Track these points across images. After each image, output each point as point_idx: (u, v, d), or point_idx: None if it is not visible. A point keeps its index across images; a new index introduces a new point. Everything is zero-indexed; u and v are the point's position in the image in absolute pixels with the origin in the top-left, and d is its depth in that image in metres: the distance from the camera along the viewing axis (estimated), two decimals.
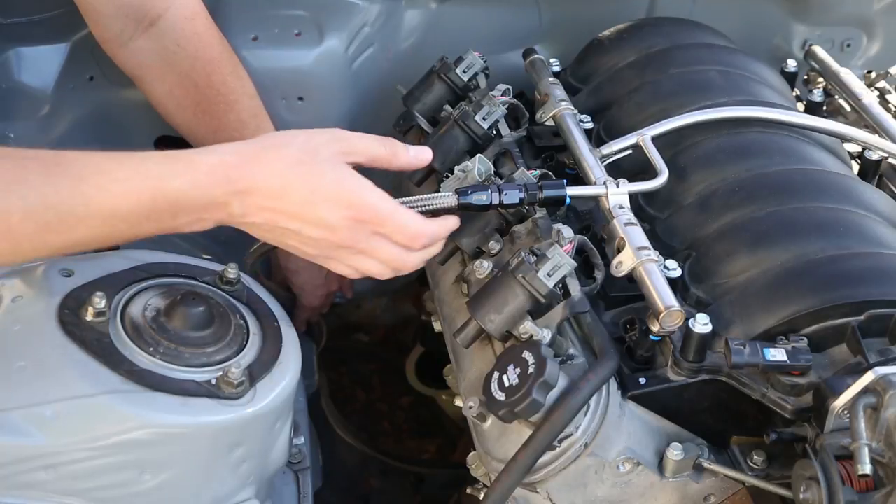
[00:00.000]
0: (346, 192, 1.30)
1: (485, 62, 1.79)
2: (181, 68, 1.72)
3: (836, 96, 1.90)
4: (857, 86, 1.87)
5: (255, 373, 1.30)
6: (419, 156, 1.45)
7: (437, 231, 1.39)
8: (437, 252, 1.43)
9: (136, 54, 1.72)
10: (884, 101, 1.89)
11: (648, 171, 1.55)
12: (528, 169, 1.52)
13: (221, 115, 1.74)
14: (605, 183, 1.50)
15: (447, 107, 1.76)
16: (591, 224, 1.55)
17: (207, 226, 1.30)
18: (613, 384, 1.33)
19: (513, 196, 1.44)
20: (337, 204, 1.30)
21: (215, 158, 1.27)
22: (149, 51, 1.71)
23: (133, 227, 1.24)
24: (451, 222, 1.43)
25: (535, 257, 1.34)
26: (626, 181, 1.50)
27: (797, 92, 1.95)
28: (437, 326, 1.66)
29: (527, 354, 1.27)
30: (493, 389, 1.29)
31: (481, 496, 1.39)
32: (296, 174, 1.28)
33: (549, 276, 1.33)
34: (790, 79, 1.94)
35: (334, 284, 2.01)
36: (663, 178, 1.53)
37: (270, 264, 2.00)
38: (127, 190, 1.22)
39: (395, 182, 1.92)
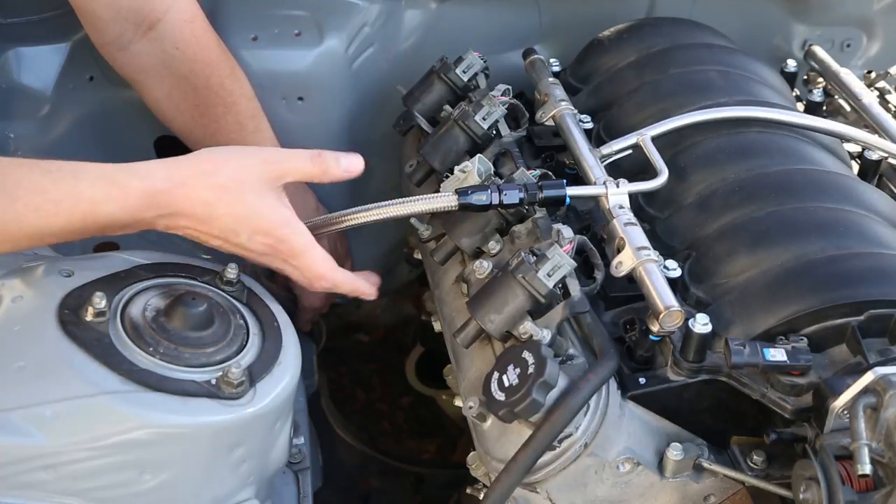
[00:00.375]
0: (266, 223, 1.39)
1: (485, 62, 1.79)
2: (179, 71, 1.72)
3: (836, 96, 1.90)
4: (857, 86, 1.87)
5: (255, 373, 1.30)
6: (350, 168, 1.47)
7: (341, 282, 1.48)
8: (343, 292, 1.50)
9: (135, 58, 1.72)
10: (884, 101, 1.89)
11: (648, 171, 1.55)
12: (528, 169, 1.52)
13: (220, 117, 1.75)
14: (604, 183, 1.50)
15: (447, 107, 1.76)
16: (591, 224, 1.55)
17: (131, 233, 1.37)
18: (613, 384, 1.33)
19: (513, 196, 1.44)
20: (256, 232, 1.39)
21: (147, 184, 1.33)
22: (147, 54, 1.71)
23: (61, 239, 1.32)
24: (362, 286, 1.52)
25: (534, 257, 1.34)
26: (625, 181, 1.50)
27: (797, 92, 1.95)
28: (437, 326, 1.66)
29: (527, 354, 1.27)
30: (493, 389, 1.29)
31: (481, 496, 1.39)
32: (221, 203, 1.36)
33: (549, 276, 1.33)
34: (790, 79, 1.93)
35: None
36: (663, 178, 1.53)
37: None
38: (59, 211, 1.28)
39: (395, 182, 1.92)
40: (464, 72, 1.77)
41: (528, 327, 1.33)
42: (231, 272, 1.41)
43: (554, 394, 1.25)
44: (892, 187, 1.72)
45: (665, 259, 1.42)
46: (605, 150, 1.60)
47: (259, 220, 1.39)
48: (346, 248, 1.95)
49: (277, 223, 1.40)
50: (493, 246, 1.50)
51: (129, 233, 1.36)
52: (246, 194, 1.37)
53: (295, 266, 1.43)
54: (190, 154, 1.41)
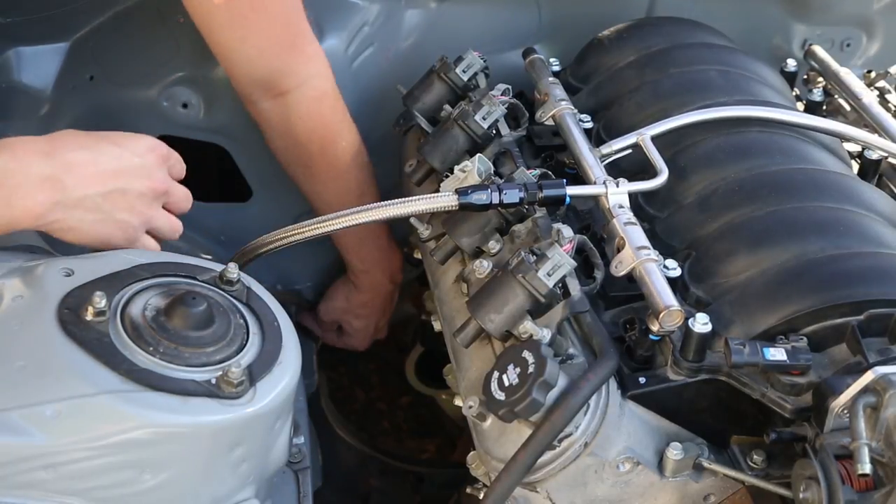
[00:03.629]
0: (144, 137, 1.46)
1: (484, 62, 1.79)
2: (298, 137, 1.82)
3: (836, 96, 1.90)
4: (857, 85, 1.87)
5: (255, 372, 1.29)
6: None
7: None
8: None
9: (261, 113, 1.83)
10: (883, 101, 1.89)
11: (648, 171, 1.55)
12: (528, 168, 1.52)
13: (328, 181, 1.88)
14: (604, 182, 1.50)
15: (447, 106, 1.76)
16: (591, 224, 1.55)
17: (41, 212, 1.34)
18: (613, 384, 1.33)
19: (513, 196, 1.44)
20: (143, 146, 1.44)
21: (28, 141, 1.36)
22: (273, 113, 1.81)
23: None
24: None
25: (534, 257, 1.34)
26: (625, 181, 1.50)
27: (797, 92, 1.95)
28: (436, 326, 1.66)
29: (527, 354, 1.27)
30: (492, 389, 1.29)
31: (481, 496, 1.39)
32: (98, 138, 1.41)
33: (549, 275, 1.33)
34: (790, 78, 1.94)
35: (382, 333, 2.17)
36: (663, 177, 1.53)
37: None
38: None
39: (395, 181, 1.93)
40: (464, 71, 1.77)
41: (528, 327, 1.33)
42: (231, 272, 1.41)
43: (554, 393, 1.26)
44: (892, 187, 1.72)
45: (665, 258, 1.42)
46: (605, 149, 1.60)
47: (134, 136, 1.46)
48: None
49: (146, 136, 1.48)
50: (493, 245, 1.50)
51: (35, 208, 1.34)
52: (108, 133, 1.44)
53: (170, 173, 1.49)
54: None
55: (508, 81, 1.73)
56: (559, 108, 1.69)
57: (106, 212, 1.39)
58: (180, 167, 1.52)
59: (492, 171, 1.53)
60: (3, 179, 1.32)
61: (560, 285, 1.36)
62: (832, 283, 1.35)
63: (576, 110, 1.71)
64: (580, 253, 1.43)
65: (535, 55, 1.87)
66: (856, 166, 1.75)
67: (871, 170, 1.73)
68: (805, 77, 1.99)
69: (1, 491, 1.18)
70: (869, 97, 1.84)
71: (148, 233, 1.46)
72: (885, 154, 1.71)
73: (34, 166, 1.33)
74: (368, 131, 2.03)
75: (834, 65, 1.94)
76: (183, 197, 1.51)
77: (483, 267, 1.47)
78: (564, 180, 1.48)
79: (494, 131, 1.68)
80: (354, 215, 1.48)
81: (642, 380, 1.34)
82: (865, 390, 1.18)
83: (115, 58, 1.93)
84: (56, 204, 1.35)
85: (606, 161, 1.59)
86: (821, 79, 1.95)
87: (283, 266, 2.05)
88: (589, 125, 1.73)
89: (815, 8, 2.13)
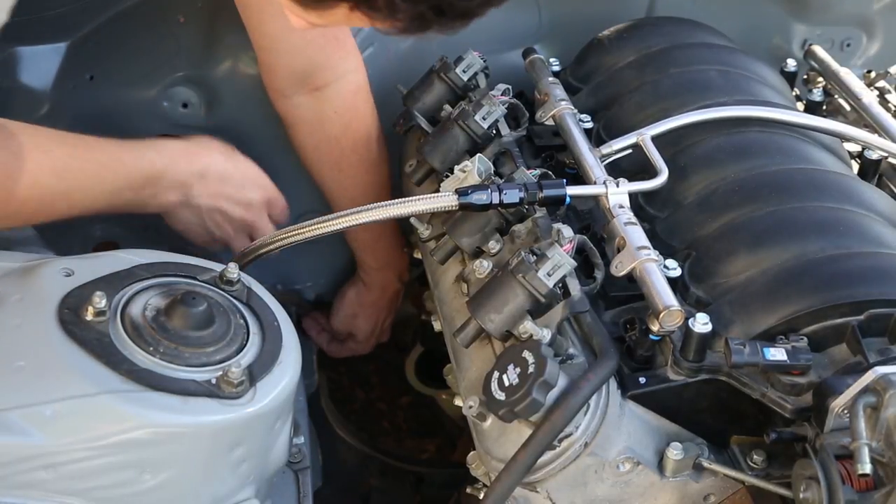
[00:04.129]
0: (263, 178, 1.75)
1: (484, 62, 1.79)
2: (332, 132, 1.84)
3: (836, 96, 1.90)
4: (857, 85, 1.87)
5: (255, 372, 1.30)
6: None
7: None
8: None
9: (295, 108, 1.83)
10: (883, 101, 1.89)
11: (648, 171, 1.55)
12: (528, 168, 1.52)
13: (358, 175, 1.89)
14: (604, 182, 1.50)
15: (447, 106, 1.76)
16: (591, 224, 1.55)
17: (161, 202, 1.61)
18: (613, 384, 1.33)
19: (513, 196, 1.44)
20: (259, 185, 1.74)
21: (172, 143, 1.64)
22: (306, 108, 1.83)
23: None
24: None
25: (534, 257, 1.34)
26: (625, 181, 1.50)
27: (797, 91, 1.95)
28: (436, 326, 1.66)
29: (527, 354, 1.27)
30: (492, 389, 1.29)
31: (481, 496, 1.39)
32: (232, 160, 1.69)
33: (549, 275, 1.33)
34: (790, 78, 1.93)
35: (385, 335, 2.19)
36: (663, 177, 1.53)
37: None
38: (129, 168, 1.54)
39: (395, 182, 1.92)
40: (464, 71, 1.77)
41: (528, 327, 1.33)
42: (231, 272, 1.41)
43: (554, 393, 1.25)
44: (892, 187, 1.72)
45: (665, 258, 1.42)
46: (605, 149, 1.60)
47: (257, 175, 1.74)
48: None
49: (266, 177, 1.76)
50: (493, 245, 1.50)
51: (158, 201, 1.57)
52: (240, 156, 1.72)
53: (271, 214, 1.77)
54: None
55: (508, 81, 1.73)
56: (559, 108, 1.69)
57: (206, 224, 1.60)
58: (280, 213, 1.79)
59: (492, 171, 1.53)
60: (155, 179, 1.55)
61: (560, 285, 1.36)
62: (832, 283, 1.35)
63: (576, 110, 1.71)
64: (580, 253, 1.43)
65: (535, 55, 1.87)
66: (856, 166, 1.74)
67: (871, 170, 1.73)
68: (805, 77, 1.99)
69: (1, 491, 1.18)
70: (869, 97, 1.84)
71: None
72: (885, 154, 1.71)
73: (178, 168, 1.60)
74: None
75: (834, 65, 1.94)
76: (266, 233, 1.73)
77: (483, 267, 1.47)
78: (564, 180, 1.48)
79: (494, 131, 1.68)
80: (355, 215, 1.48)
81: (642, 380, 1.34)
82: (865, 390, 1.18)
83: (115, 58, 1.93)
84: (180, 204, 1.61)
85: (606, 161, 1.59)
86: (821, 79, 1.95)
87: (283, 266, 2.05)
88: (589, 125, 1.73)
89: (815, 8, 2.13)
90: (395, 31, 1.19)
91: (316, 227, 1.50)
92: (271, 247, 1.55)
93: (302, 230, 1.52)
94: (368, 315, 2.11)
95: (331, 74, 1.79)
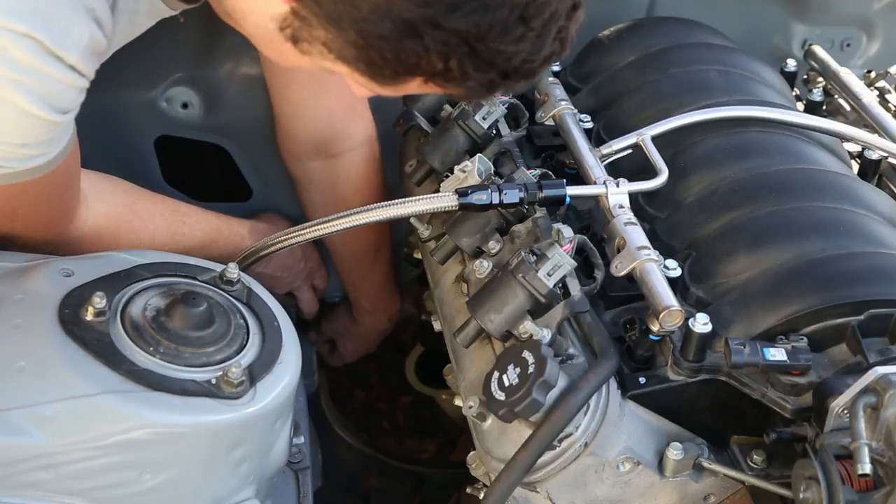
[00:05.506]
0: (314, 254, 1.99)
1: None
2: (341, 194, 1.89)
3: (836, 96, 1.90)
4: (857, 85, 1.87)
5: (255, 372, 1.30)
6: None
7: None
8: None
9: (308, 172, 1.90)
10: (883, 101, 1.89)
11: (648, 171, 1.55)
12: (528, 169, 1.52)
13: (363, 234, 1.95)
14: (604, 182, 1.50)
15: (447, 106, 1.76)
16: (591, 224, 1.55)
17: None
18: (613, 384, 1.33)
19: (513, 196, 1.44)
20: (307, 259, 1.97)
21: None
22: (320, 172, 1.89)
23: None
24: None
25: (534, 257, 1.34)
26: (625, 181, 1.50)
27: (797, 91, 1.95)
28: (436, 326, 1.66)
29: (527, 354, 1.27)
30: (493, 389, 1.29)
31: (481, 496, 1.39)
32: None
33: (549, 275, 1.33)
34: (790, 78, 1.93)
35: (372, 347, 2.25)
36: (663, 177, 1.53)
37: None
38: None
39: (395, 182, 1.92)
40: None
41: (528, 327, 1.33)
42: (231, 272, 1.41)
43: (554, 393, 1.25)
44: (892, 187, 1.72)
45: (665, 259, 1.42)
46: (605, 149, 1.60)
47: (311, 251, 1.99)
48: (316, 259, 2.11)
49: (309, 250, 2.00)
50: (493, 245, 1.50)
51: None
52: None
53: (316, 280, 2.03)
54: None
55: None
56: (559, 108, 1.69)
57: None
58: (321, 283, 2.05)
59: (492, 171, 1.53)
60: (240, 251, 1.61)
61: (560, 285, 1.36)
62: (832, 283, 1.35)
63: (576, 110, 1.71)
64: (580, 253, 1.42)
65: None
66: (856, 166, 1.74)
67: (871, 170, 1.73)
68: (805, 77, 1.99)
69: (1, 491, 1.18)
70: (869, 97, 1.84)
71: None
72: (885, 154, 1.71)
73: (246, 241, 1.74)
74: None
75: (834, 65, 1.94)
76: (307, 302, 2.04)
77: (483, 267, 1.47)
78: (564, 180, 1.48)
79: (494, 131, 1.68)
80: (355, 216, 1.48)
81: (642, 380, 1.34)
82: (865, 390, 1.18)
83: (114, 58, 1.93)
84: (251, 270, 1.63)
85: (606, 161, 1.59)
86: (821, 79, 1.95)
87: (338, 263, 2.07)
88: (589, 125, 1.73)
89: (815, 8, 2.13)
90: (463, 96, 1.35)
91: (316, 228, 1.50)
92: (271, 248, 1.55)
93: (302, 231, 1.52)
94: (354, 341, 2.19)
95: (347, 144, 1.84)
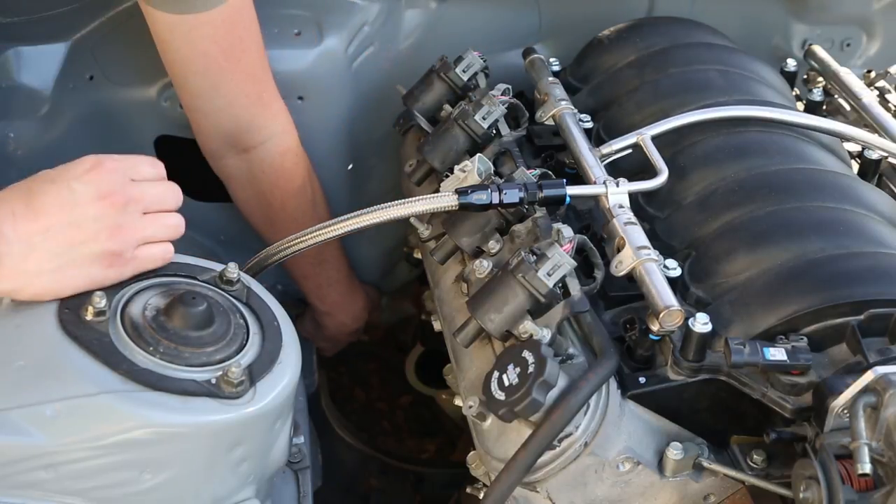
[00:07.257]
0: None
1: (484, 62, 1.79)
2: (260, 189, 1.87)
3: (836, 96, 1.90)
4: (857, 85, 1.87)
5: (255, 372, 1.29)
6: None
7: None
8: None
9: (226, 168, 1.87)
10: (883, 101, 1.89)
11: (648, 171, 1.55)
12: (528, 168, 1.52)
13: (290, 231, 1.78)
14: (604, 182, 1.50)
15: (447, 106, 1.76)
16: (591, 223, 1.55)
17: None
18: (613, 383, 1.33)
19: (513, 195, 1.44)
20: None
21: None
22: (236, 168, 1.86)
23: None
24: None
25: (534, 257, 1.34)
26: (625, 181, 1.50)
27: (797, 91, 1.95)
28: (436, 326, 1.66)
29: (527, 354, 1.27)
30: (492, 389, 1.29)
31: (481, 496, 1.39)
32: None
33: (549, 275, 1.33)
34: (790, 78, 1.93)
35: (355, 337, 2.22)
36: (663, 177, 1.53)
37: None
38: None
39: (395, 182, 1.93)
40: (463, 71, 1.77)
41: (528, 326, 1.33)
42: (231, 272, 1.41)
43: (554, 393, 1.26)
44: (892, 187, 1.72)
45: (665, 258, 1.42)
46: (605, 149, 1.60)
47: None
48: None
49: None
50: (493, 245, 1.50)
51: None
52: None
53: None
54: None
55: (508, 81, 1.73)
56: (559, 108, 1.69)
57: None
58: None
59: (492, 171, 1.53)
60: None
61: (560, 285, 1.36)
62: (832, 283, 1.35)
63: (576, 110, 1.71)
64: (580, 253, 1.42)
65: (535, 55, 1.87)
66: (856, 166, 1.74)
67: (871, 170, 1.73)
68: (805, 77, 1.99)
69: (1, 491, 1.18)
70: (869, 97, 1.84)
71: None
72: (885, 154, 1.71)
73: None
74: (368, 131, 2.04)
75: (834, 65, 1.94)
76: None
77: (483, 267, 1.47)
78: (564, 180, 1.48)
79: (494, 131, 1.68)
80: (356, 218, 1.48)
81: (642, 380, 1.34)
82: (865, 390, 1.18)
83: (115, 58, 1.93)
84: None
85: (606, 161, 1.59)
86: (821, 79, 1.95)
87: (283, 266, 2.05)
88: (589, 125, 1.73)
89: (815, 7, 2.13)
90: None
91: (317, 234, 1.50)
92: (276, 258, 1.55)
93: (303, 238, 1.52)
94: (325, 339, 2.16)
95: (258, 136, 1.80)
